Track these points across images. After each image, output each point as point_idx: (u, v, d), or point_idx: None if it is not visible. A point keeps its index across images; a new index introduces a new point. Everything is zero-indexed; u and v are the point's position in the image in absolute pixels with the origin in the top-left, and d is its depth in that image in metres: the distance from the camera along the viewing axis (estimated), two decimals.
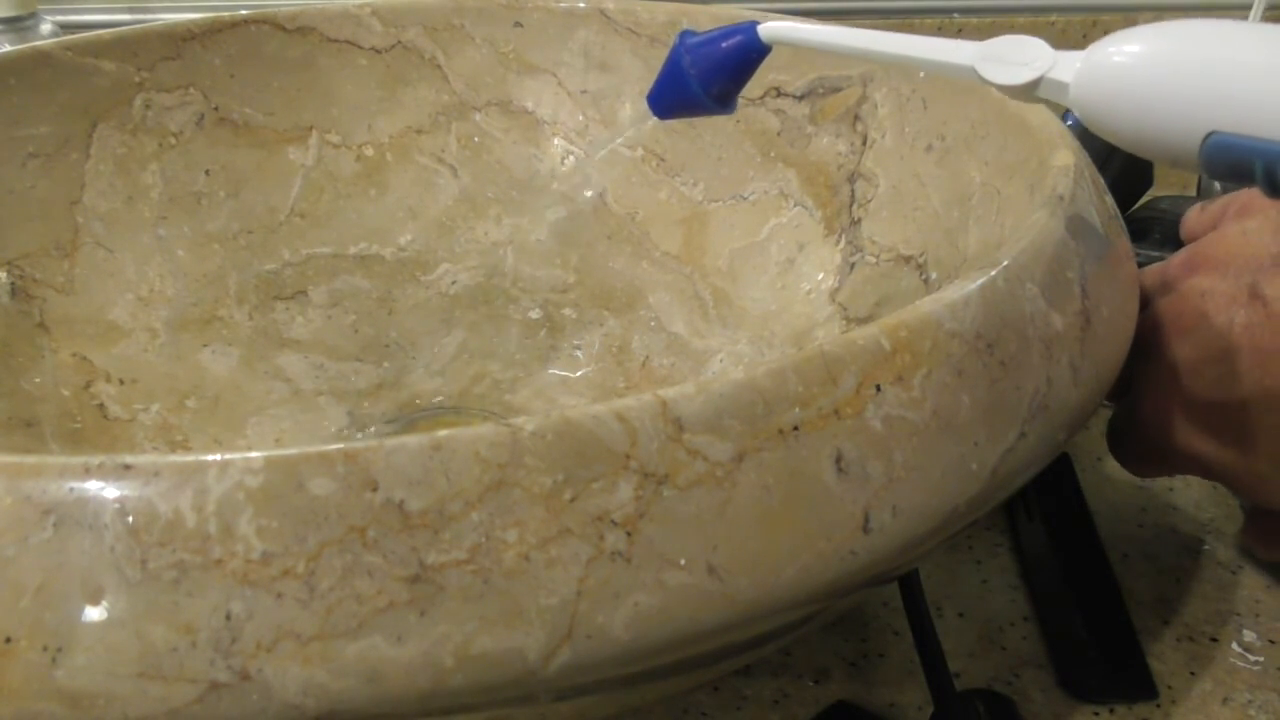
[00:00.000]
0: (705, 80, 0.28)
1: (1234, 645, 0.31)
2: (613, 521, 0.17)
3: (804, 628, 0.23)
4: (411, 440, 0.16)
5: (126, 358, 0.37)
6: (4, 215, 0.36)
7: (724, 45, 0.28)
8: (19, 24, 0.53)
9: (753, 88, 0.41)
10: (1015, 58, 0.23)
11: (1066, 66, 0.22)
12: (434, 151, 0.45)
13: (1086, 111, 0.22)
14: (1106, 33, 0.22)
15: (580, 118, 0.45)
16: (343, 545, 0.16)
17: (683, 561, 0.17)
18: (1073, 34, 0.64)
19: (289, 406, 0.38)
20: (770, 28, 0.27)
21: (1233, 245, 0.30)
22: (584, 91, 0.45)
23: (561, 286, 0.43)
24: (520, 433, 0.17)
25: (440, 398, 0.40)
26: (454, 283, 0.43)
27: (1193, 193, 0.53)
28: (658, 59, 0.30)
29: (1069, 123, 0.32)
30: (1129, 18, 0.64)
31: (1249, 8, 0.57)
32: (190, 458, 0.16)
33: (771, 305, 0.39)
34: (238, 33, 0.42)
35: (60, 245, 0.38)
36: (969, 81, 0.32)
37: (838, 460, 0.18)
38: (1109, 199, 0.29)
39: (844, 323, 0.36)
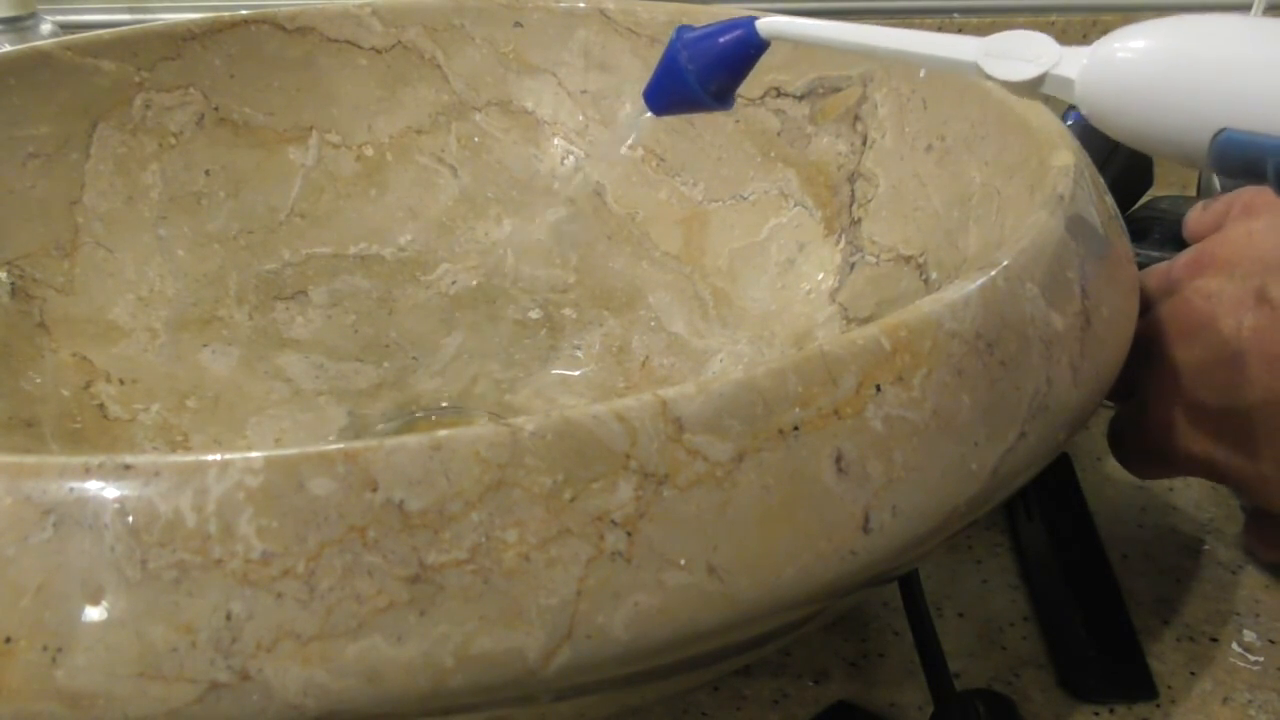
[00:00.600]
0: (702, 76, 0.28)
1: (1234, 645, 0.31)
2: (613, 521, 0.17)
3: (804, 628, 0.23)
4: (411, 440, 0.16)
5: (126, 358, 0.37)
6: (4, 215, 0.36)
7: (721, 40, 0.28)
8: (19, 24, 0.53)
9: (753, 88, 0.41)
10: (1020, 53, 0.22)
11: (1072, 62, 0.22)
12: (434, 151, 0.45)
13: (1093, 108, 0.21)
14: (1107, 32, 0.22)
15: (580, 118, 0.45)
16: (343, 545, 0.16)
17: (683, 561, 0.17)
18: (1073, 34, 0.64)
19: (289, 406, 0.38)
20: (769, 22, 0.27)
21: (1239, 246, 0.29)
22: (584, 91, 0.45)
23: (561, 286, 0.43)
24: (520, 433, 0.17)
25: (440, 398, 0.40)
26: (454, 283, 0.43)
27: (1193, 192, 0.53)
28: (657, 59, 0.30)
29: (1069, 122, 0.32)
30: (1129, 17, 0.64)
31: (1249, 7, 0.57)
32: (190, 458, 0.16)
33: (771, 305, 0.39)
34: (238, 33, 0.42)
35: (60, 245, 0.38)
36: (969, 81, 0.32)
37: (838, 460, 0.18)
38: (1109, 199, 0.28)
39: (844, 323, 0.36)
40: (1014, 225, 0.28)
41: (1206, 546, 0.35)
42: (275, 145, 0.43)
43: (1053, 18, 0.63)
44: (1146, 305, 0.29)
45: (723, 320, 0.40)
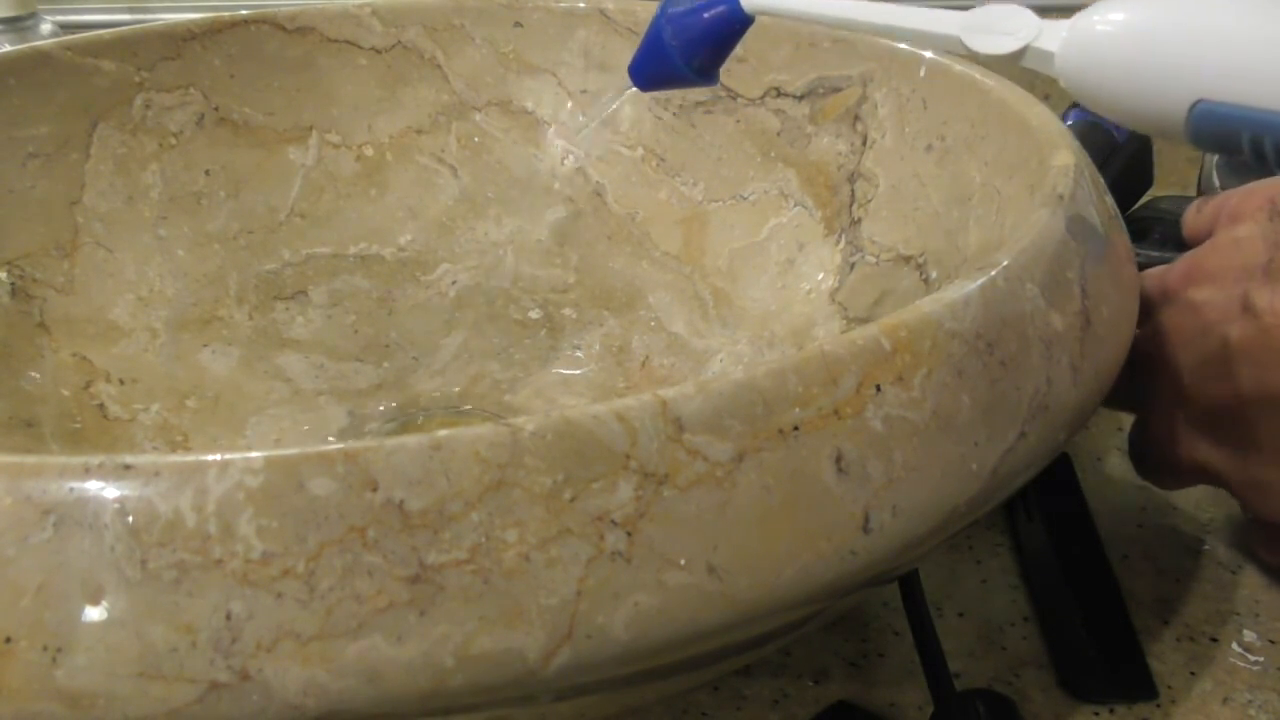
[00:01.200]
0: (686, 52, 0.28)
1: (1234, 645, 0.31)
2: (613, 521, 0.17)
3: (804, 628, 0.23)
4: (411, 440, 0.16)
5: (126, 358, 0.37)
6: (4, 215, 0.36)
7: (705, 15, 0.27)
8: (19, 24, 0.53)
9: (752, 88, 0.41)
10: (1001, 27, 0.22)
11: (1052, 35, 0.22)
12: (434, 151, 0.45)
13: (1072, 81, 0.21)
14: None
15: (580, 118, 0.45)
16: (343, 545, 0.16)
17: (683, 561, 0.17)
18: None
19: (289, 406, 0.38)
20: None
21: (1225, 255, 0.30)
22: (584, 91, 0.45)
23: (561, 286, 0.43)
24: (520, 433, 0.17)
25: (440, 398, 0.40)
26: (454, 283, 0.43)
27: (1193, 192, 0.53)
28: None
29: (1069, 122, 0.32)
30: None
31: None
32: (190, 458, 0.16)
33: (771, 305, 0.39)
34: (238, 33, 0.42)
35: (60, 245, 0.38)
36: (969, 81, 0.32)
37: (838, 460, 0.18)
38: (1109, 199, 0.28)
39: (844, 322, 0.36)
40: (1014, 225, 0.28)
41: (1206, 546, 0.35)
42: (275, 145, 0.43)
43: (1052, 18, 0.63)
44: (1144, 314, 0.29)
45: (723, 320, 0.40)
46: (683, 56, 0.28)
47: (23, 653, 0.15)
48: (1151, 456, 0.33)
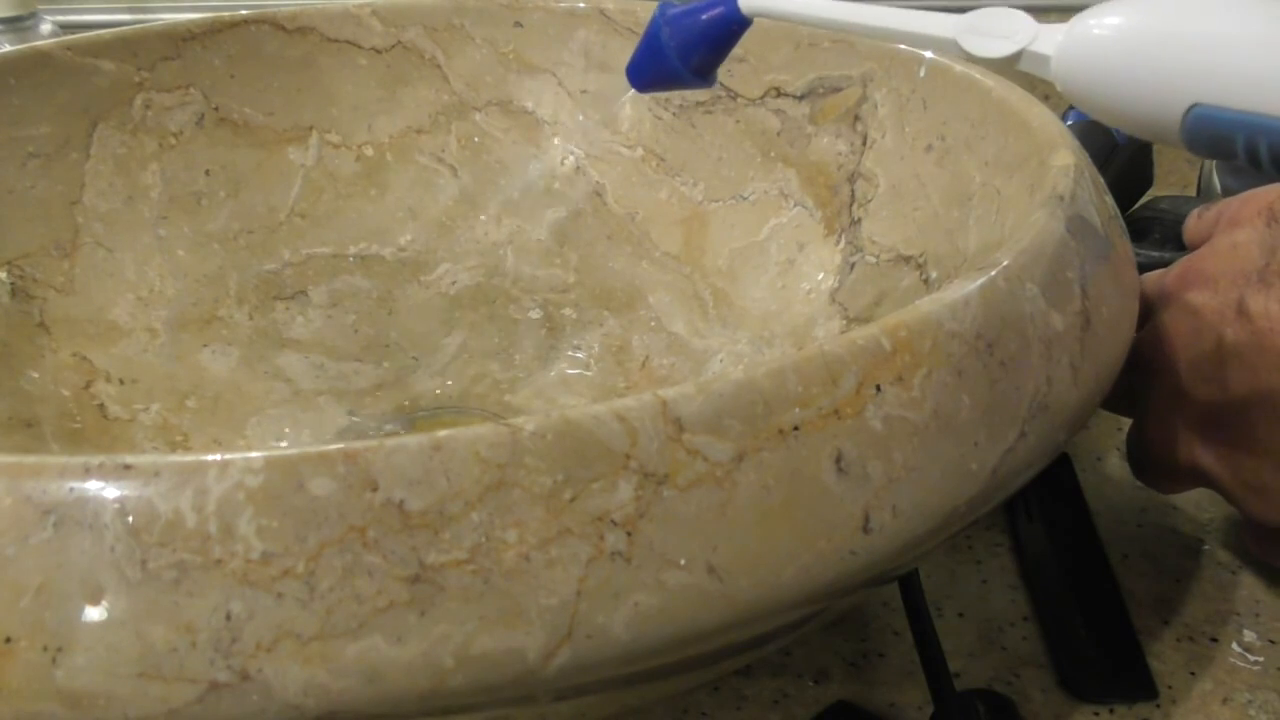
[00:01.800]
0: (684, 53, 0.28)
1: (1234, 645, 0.31)
2: (613, 521, 0.17)
3: (804, 628, 0.23)
4: (411, 440, 0.16)
5: (126, 358, 0.37)
6: (4, 215, 0.36)
7: (703, 17, 0.28)
8: (19, 24, 0.53)
9: (753, 88, 0.41)
10: (997, 30, 0.22)
11: (1048, 40, 0.22)
12: (434, 151, 0.45)
13: (1068, 85, 0.22)
14: None
15: (580, 118, 0.45)
16: (343, 545, 0.16)
17: (683, 561, 0.17)
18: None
19: (289, 406, 0.38)
20: None
21: (1222, 259, 0.30)
22: (584, 91, 0.45)
23: (561, 286, 0.43)
24: (520, 433, 0.17)
25: (440, 398, 0.40)
26: (454, 283, 0.43)
27: (1193, 192, 0.53)
28: None
29: (1069, 122, 0.32)
30: None
31: None
32: (190, 458, 0.16)
33: (771, 305, 0.39)
34: (238, 33, 0.42)
35: (60, 245, 0.38)
36: (969, 81, 0.32)
37: (838, 460, 0.18)
38: (1109, 199, 0.29)
39: (844, 322, 0.36)
40: (1014, 225, 0.28)
41: (1206, 546, 0.35)
42: (275, 145, 0.43)
43: (1052, 18, 0.63)
44: (1142, 317, 0.29)
45: (723, 320, 0.40)
46: (680, 58, 0.28)
47: (23, 653, 0.15)
48: (1148, 459, 0.33)
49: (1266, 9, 0.19)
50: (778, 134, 0.41)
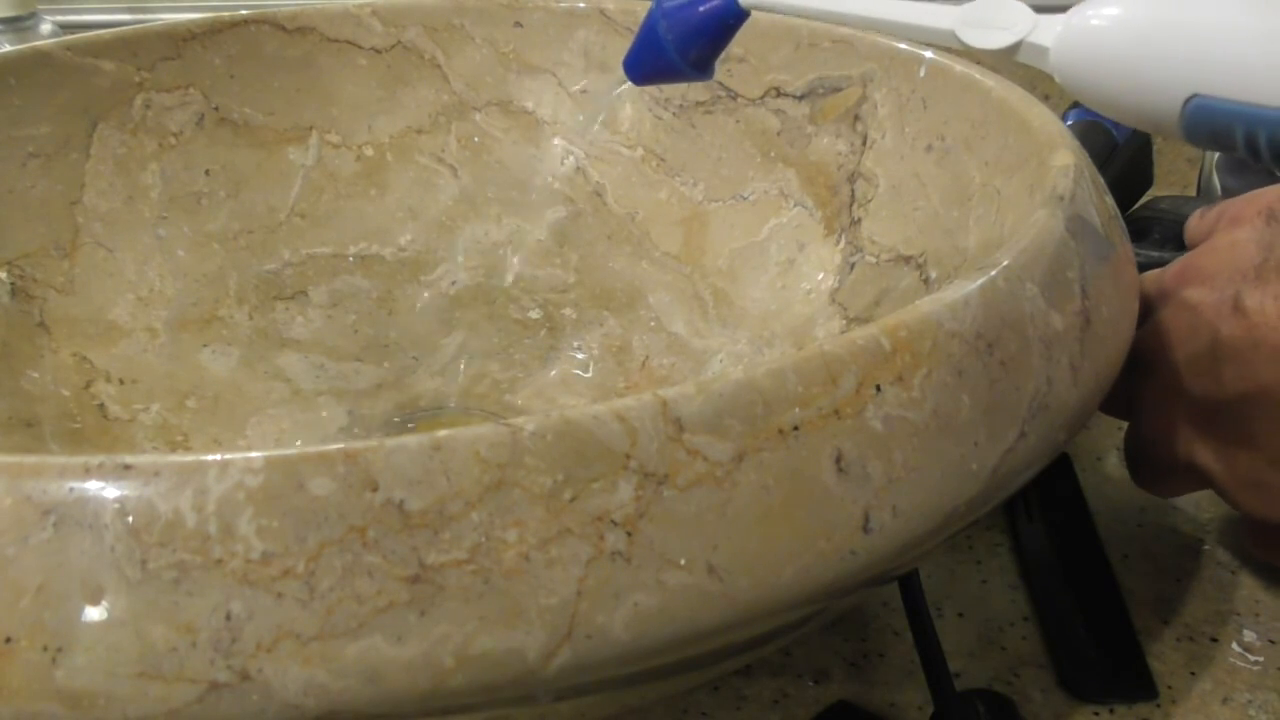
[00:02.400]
0: (681, 46, 0.28)
1: (1234, 645, 0.31)
2: (613, 521, 0.17)
3: (804, 628, 0.23)
4: (411, 440, 0.16)
5: (126, 358, 0.37)
6: (4, 215, 0.36)
7: (701, 10, 0.27)
8: (19, 24, 0.53)
9: (753, 88, 0.41)
10: (996, 21, 0.22)
11: (1047, 30, 0.22)
12: (434, 151, 0.45)
13: (1067, 76, 0.21)
14: None
15: (580, 118, 0.45)
16: (343, 545, 0.16)
17: (683, 561, 0.17)
18: None
19: (289, 406, 0.38)
20: None
21: (1221, 256, 0.30)
22: (584, 91, 0.45)
23: (561, 286, 0.43)
24: (520, 433, 0.17)
25: (440, 398, 0.40)
26: (454, 283, 0.43)
27: (1193, 192, 0.53)
28: None
29: (1069, 122, 0.32)
30: None
31: None
32: (190, 458, 0.16)
33: (771, 305, 0.39)
34: (238, 33, 0.42)
35: (60, 245, 0.38)
36: (969, 80, 0.32)
37: (838, 460, 0.18)
38: (1109, 199, 0.29)
39: (844, 322, 0.36)
40: (1014, 225, 0.28)
41: (1206, 546, 0.35)
42: (275, 145, 0.43)
43: None
44: (1141, 315, 0.29)
45: (723, 320, 0.40)
46: (678, 50, 0.28)
47: (23, 653, 0.15)
48: (1146, 458, 0.33)
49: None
50: (778, 134, 0.41)
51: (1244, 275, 0.29)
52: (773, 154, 0.41)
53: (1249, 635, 0.31)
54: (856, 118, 0.38)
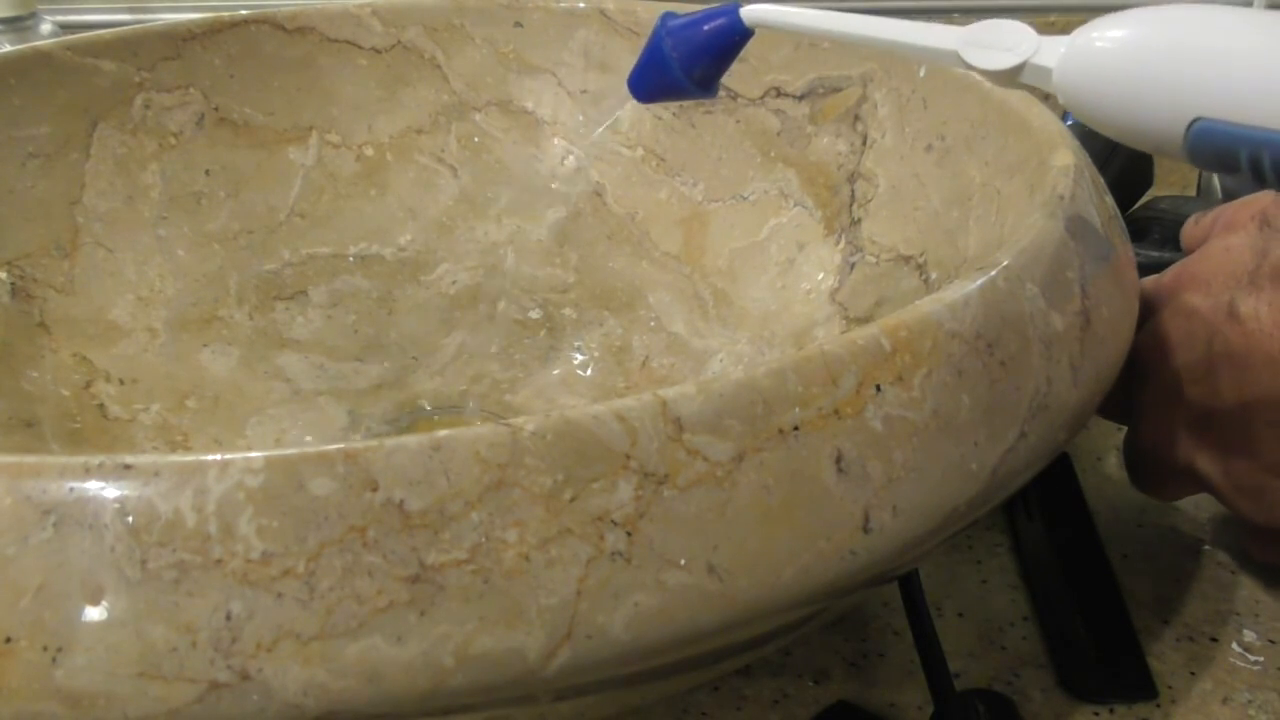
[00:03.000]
0: (686, 64, 0.28)
1: (1234, 645, 0.31)
2: (613, 521, 0.17)
3: (804, 628, 0.23)
4: (411, 440, 0.16)
5: (126, 358, 0.37)
6: (4, 215, 0.36)
7: (706, 28, 0.28)
8: (19, 24, 0.53)
9: (753, 88, 0.41)
10: (1000, 42, 0.22)
11: (1050, 52, 0.22)
12: (434, 151, 0.45)
13: (1070, 98, 0.21)
14: None
15: (580, 118, 0.45)
16: (343, 545, 0.16)
17: (683, 561, 0.17)
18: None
19: (289, 406, 0.38)
20: (753, 10, 0.27)
21: (1216, 262, 0.30)
22: (584, 91, 0.45)
23: (561, 286, 0.43)
24: (520, 433, 0.17)
25: (440, 398, 0.40)
26: (454, 283, 0.43)
27: (1193, 192, 0.53)
28: None
29: (1069, 122, 0.32)
30: None
31: (1249, 0, 0.57)
32: (190, 458, 0.16)
33: (771, 305, 0.39)
34: (238, 33, 0.42)
35: (60, 245, 0.38)
36: (969, 81, 0.32)
37: (838, 460, 0.18)
38: (1109, 199, 0.29)
39: (844, 322, 0.36)
40: (1014, 225, 0.28)
41: (1206, 546, 0.35)
42: (275, 145, 0.43)
43: (1052, 18, 0.63)
44: (1140, 319, 0.29)
45: (723, 320, 0.40)
46: (683, 68, 0.28)
47: (23, 653, 0.15)
48: (1144, 463, 0.33)
49: (1270, 23, 0.19)
50: (778, 134, 0.41)
51: (1238, 281, 0.29)
52: (773, 154, 0.41)
53: (1249, 635, 0.31)
54: (856, 118, 0.38)
